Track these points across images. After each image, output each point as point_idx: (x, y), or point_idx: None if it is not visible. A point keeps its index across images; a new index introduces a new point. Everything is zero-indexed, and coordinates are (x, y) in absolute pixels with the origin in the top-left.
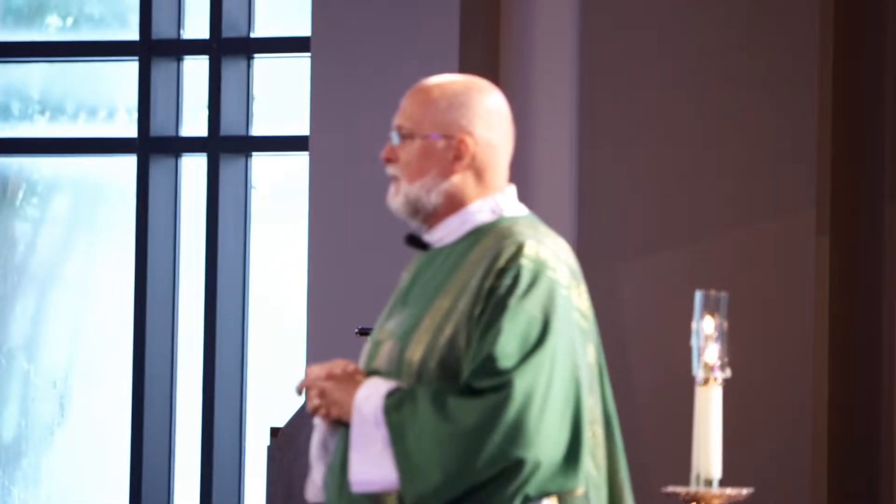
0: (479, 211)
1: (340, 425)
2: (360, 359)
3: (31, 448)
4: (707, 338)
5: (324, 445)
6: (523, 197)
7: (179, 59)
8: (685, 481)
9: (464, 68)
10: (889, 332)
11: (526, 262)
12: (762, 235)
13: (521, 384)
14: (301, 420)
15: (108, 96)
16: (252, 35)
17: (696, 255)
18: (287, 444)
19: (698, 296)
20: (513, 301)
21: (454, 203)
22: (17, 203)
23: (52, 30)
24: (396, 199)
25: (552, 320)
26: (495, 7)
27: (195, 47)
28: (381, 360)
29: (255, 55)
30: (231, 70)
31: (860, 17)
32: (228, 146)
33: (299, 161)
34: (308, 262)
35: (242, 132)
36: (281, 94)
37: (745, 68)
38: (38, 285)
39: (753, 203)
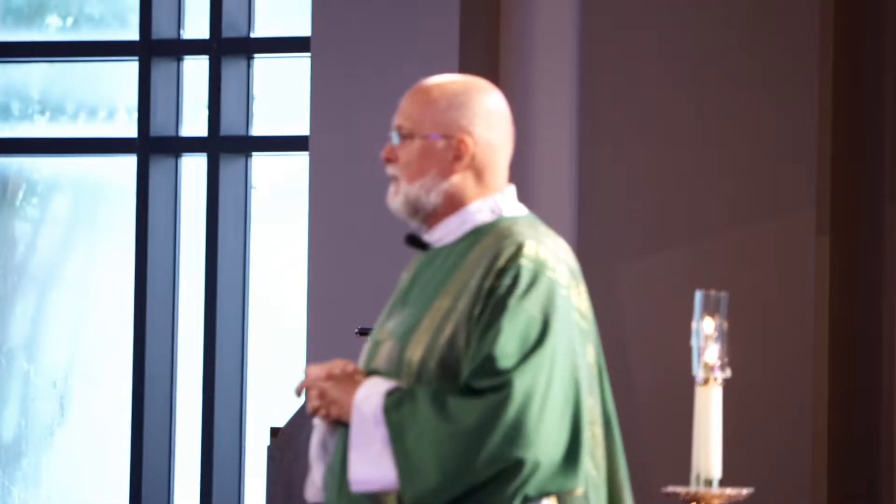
0: (479, 211)
1: (340, 425)
2: (359, 359)
3: (31, 448)
4: (707, 338)
5: (323, 445)
6: (523, 197)
7: (179, 59)
8: (685, 481)
9: (464, 68)
10: (889, 332)
11: (525, 262)
12: (762, 235)
13: (520, 384)
14: (301, 420)
15: (108, 96)
16: (252, 35)
17: (696, 255)
18: (287, 444)
19: (698, 296)
20: (512, 301)
21: (454, 203)
22: (17, 203)
23: (52, 30)
24: (396, 199)
25: (552, 320)
26: (495, 7)
27: (195, 47)
28: (381, 360)
29: (255, 55)
30: (231, 70)
31: (860, 17)
32: (228, 146)
33: (299, 161)
34: (308, 262)
35: (242, 132)
36: (281, 94)
37: (745, 68)
38: (38, 285)
39: (753, 203)
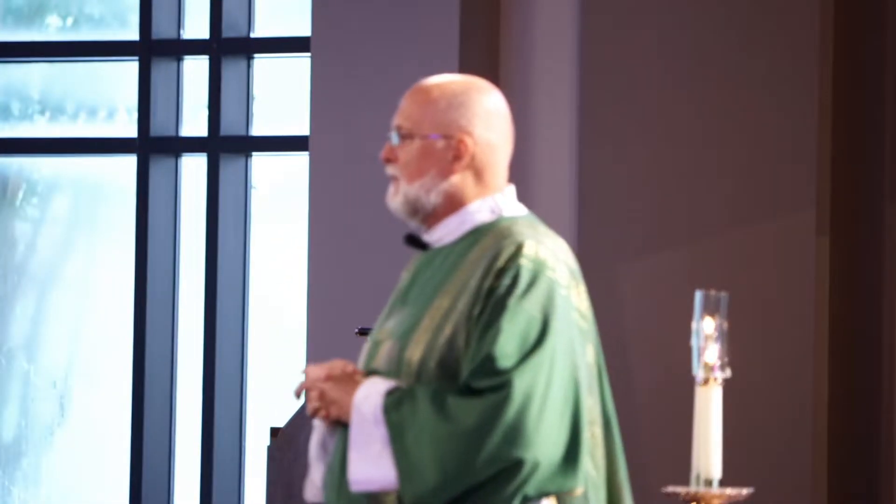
0: (479, 211)
1: (340, 425)
2: (359, 359)
3: (31, 448)
4: (707, 338)
5: (323, 446)
6: (523, 197)
7: (179, 59)
8: (685, 481)
9: (464, 68)
10: (889, 332)
11: (525, 262)
12: (762, 235)
13: (520, 384)
14: (301, 420)
15: (108, 96)
16: (252, 35)
17: (696, 255)
18: (287, 444)
19: (698, 296)
20: (512, 301)
21: (453, 203)
22: (17, 203)
23: (52, 30)
24: (396, 199)
25: (551, 320)
26: (495, 7)
27: (195, 47)
28: (381, 360)
29: (255, 55)
30: (231, 70)
31: (860, 17)
32: (228, 146)
33: (299, 161)
34: (308, 262)
35: (242, 132)
36: (281, 94)
37: (745, 68)
38: (38, 285)
39: (753, 203)
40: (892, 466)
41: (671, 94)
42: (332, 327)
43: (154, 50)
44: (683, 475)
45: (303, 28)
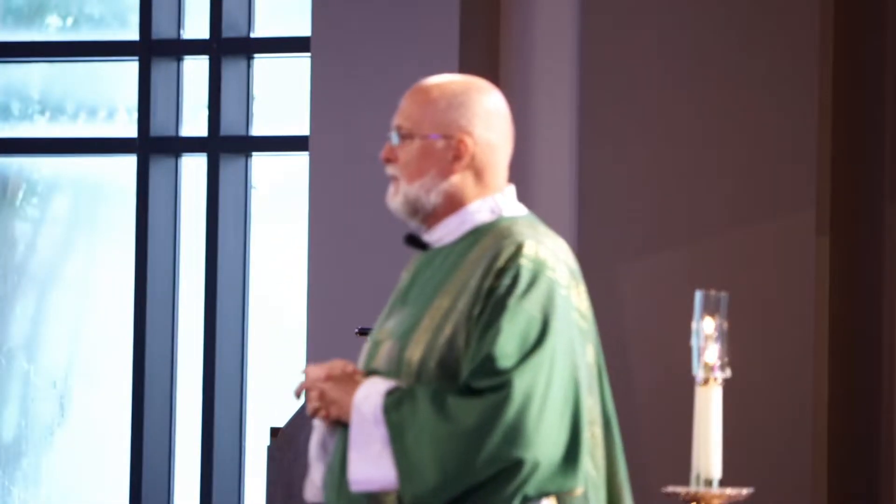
0: (479, 211)
1: (340, 425)
2: (359, 359)
3: (31, 448)
4: (707, 338)
5: (323, 446)
6: (523, 197)
7: (179, 59)
8: (685, 481)
9: (464, 68)
10: (889, 332)
11: (525, 262)
12: (762, 235)
13: (520, 384)
14: (301, 420)
15: (108, 96)
16: (252, 35)
17: (696, 255)
18: (287, 444)
19: (698, 296)
20: (512, 301)
21: (453, 203)
22: (17, 203)
23: (52, 30)
24: (396, 199)
25: (551, 320)
26: (495, 7)
27: (195, 47)
28: (381, 360)
29: (255, 55)
30: (231, 70)
31: (860, 17)
32: (228, 146)
33: (299, 161)
34: (308, 262)
35: (242, 132)
36: (281, 94)
37: (745, 68)
38: (38, 285)
39: (753, 203)
40: (892, 466)
41: (671, 94)
42: (332, 327)
43: (154, 50)
44: (683, 475)
45: (303, 28)
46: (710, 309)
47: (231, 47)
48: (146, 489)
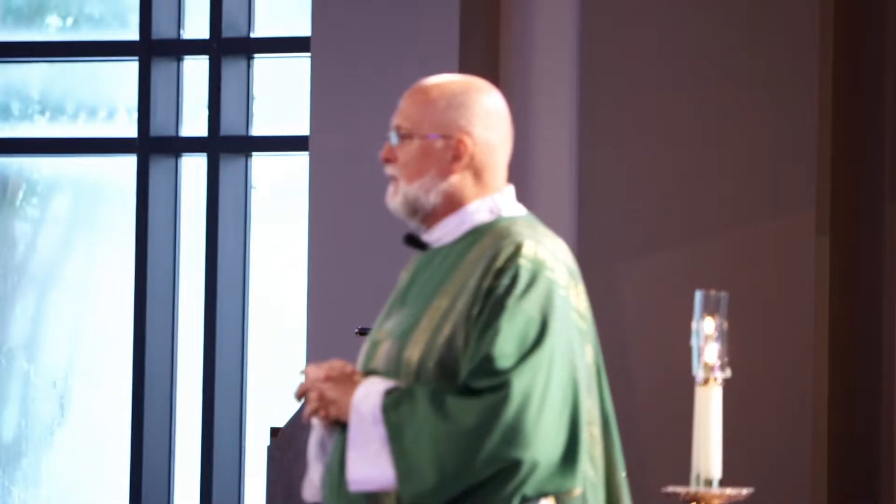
0: (478, 211)
1: (338, 425)
2: (358, 359)
3: (31, 448)
4: (707, 338)
5: (321, 446)
6: (523, 197)
7: (179, 59)
8: (685, 481)
9: (464, 68)
10: (889, 332)
11: (524, 262)
12: (762, 235)
13: (518, 384)
14: (301, 420)
15: (108, 96)
16: (252, 35)
17: (696, 255)
18: (287, 444)
19: (698, 296)
20: (511, 301)
21: (453, 203)
22: (17, 203)
23: (52, 30)
24: (395, 199)
25: (550, 321)
26: (495, 7)
27: (195, 47)
28: (380, 360)
29: (255, 55)
30: (231, 70)
31: (860, 17)
32: (228, 146)
33: (299, 161)
34: (308, 262)
35: (242, 132)
36: (281, 94)
37: (745, 68)
38: (38, 285)
39: (753, 203)
40: (892, 466)
41: (671, 94)
42: (332, 327)
43: (154, 50)
44: (683, 475)
45: (303, 28)
46: (710, 309)
47: (231, 47)
48: (146, 489)
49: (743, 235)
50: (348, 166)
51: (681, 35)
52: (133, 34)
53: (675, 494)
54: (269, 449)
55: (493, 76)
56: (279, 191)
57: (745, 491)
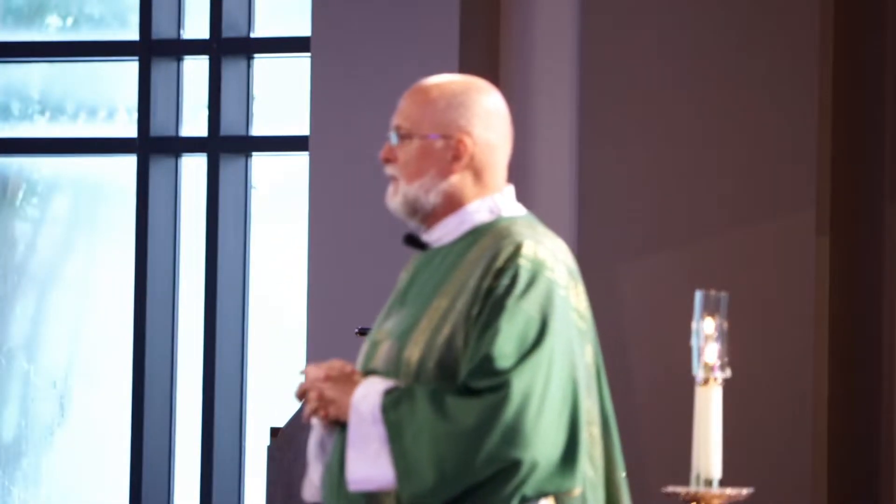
0: (478, 211)
1: (338, 425)
2: (357, 359)
3: (31, 448)
4: (707, 338)
5: (321, 445)
6: (523, 197)
7: (179, 59)
8: (685, 481)
9: (464, 68)
10: (889, 332)
11: (524, 262)
12: (762, 235)
13: (518, 384)
14: (301, 420)
15: (108, 96)
16: (252, 35)
17: (696, 255)
18: (287, 444)
19: (698, 296)
20: (510, 301)
21: (452, 203)
22: (17, 203)
23: (52, 30)
24: (395, 199)
25: (550, 321)
26: (495, 7)
27: (195, 47)
28: (379, 360)
29: (255, 55)
30: (231, 70)
31: (860, 17)
32: (228, 146)
33: (299, 161)
34: (308, 262)
35: (242, 132)
36: (281, 94)
37: (745, 68)
38: (38, 285)
39: (753, 203)
40: (892, 466)
41: (671, 94)
42: (332, 327)
43: (154, 50)
44: (683, 475)
45: (303, 28)
46: (710, 309)
47: (231, 47)
48: (146, 489)
49: (743, 235)
50: (348, 166)
51: (681, 35)
52: (133, 34)
53: (675, 494)
54: (269, 449)
55: (493, 76)
56: (279, 191)
57: (745, 491)
